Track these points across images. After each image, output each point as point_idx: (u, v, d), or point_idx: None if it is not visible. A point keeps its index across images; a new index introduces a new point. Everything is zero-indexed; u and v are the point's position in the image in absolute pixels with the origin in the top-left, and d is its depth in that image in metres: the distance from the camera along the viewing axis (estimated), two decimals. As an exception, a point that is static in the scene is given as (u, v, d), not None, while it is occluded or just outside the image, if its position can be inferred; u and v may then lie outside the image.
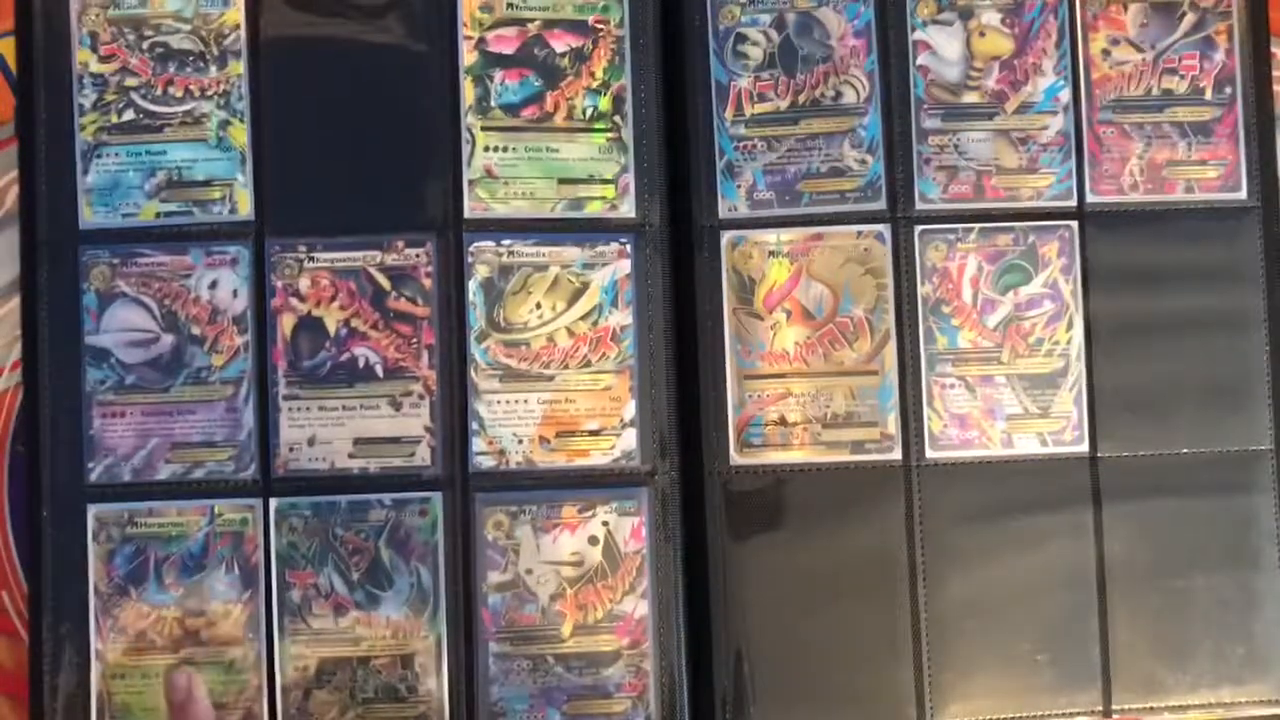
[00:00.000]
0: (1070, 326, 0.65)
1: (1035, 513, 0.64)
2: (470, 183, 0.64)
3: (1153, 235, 0.65)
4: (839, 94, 0.65)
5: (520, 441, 0.63)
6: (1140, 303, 0.65)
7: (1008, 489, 0.64)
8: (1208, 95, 0.66)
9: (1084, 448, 0.64)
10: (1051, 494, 0.64)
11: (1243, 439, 0.65)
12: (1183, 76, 0.66)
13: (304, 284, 0.63)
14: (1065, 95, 0.65)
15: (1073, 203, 0.65)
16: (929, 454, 0.64)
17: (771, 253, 0.64)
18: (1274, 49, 0.67)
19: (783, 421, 0.64)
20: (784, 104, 0.65)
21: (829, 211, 0.65)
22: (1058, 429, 0.64)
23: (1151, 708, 0.64)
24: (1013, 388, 0.64)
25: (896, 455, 0.64)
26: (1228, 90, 0.66)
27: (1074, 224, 0.65)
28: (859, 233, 0.64)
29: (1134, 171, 0.65)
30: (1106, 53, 0.65)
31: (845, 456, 0.64)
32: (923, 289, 0.64)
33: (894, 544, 0.63)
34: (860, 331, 0.64)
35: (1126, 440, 0.65)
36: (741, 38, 0.65)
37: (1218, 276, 0.65)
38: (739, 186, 0.64)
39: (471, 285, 0.63)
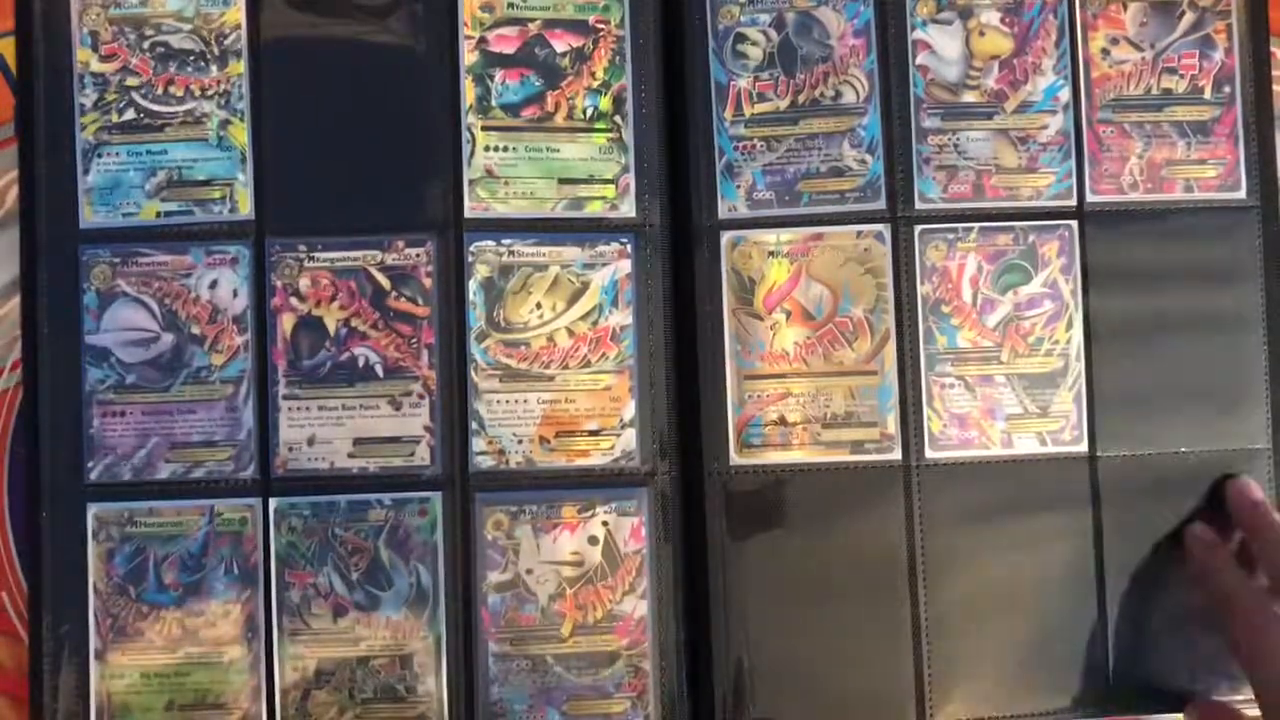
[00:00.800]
0: (1070, 326, 0.64)
1: (1035, 513, 0.64)
2: (470, 182, 0.64)
3: (1152, 235, 0.65)
4: (838, 94, 0.65)
5: (520, 441, 0.63)
6: (1140, 302, 0.65)
7: (1008, 489, 0.64)
8: (1207, 94, 0.66)
9: (1083, 447, 0.64)
10: (1051, 494, 0.64)
11: (1240, 438, 0.65)
12: (1182, 76, 0.66)
13: (304, 284, 0.63)
14: (1065, 94, 0.65)
15: (1073, 202, 0.65)
16: (929, 454, 0.64)
17: (771, 253, 0.64)
18: (1274, 48, 0.67)
19: (782, 421, 0.64)
20: (784, 104, 0.65)
21: (829, 211, 0.64)
22: (1057, 428, 0.64)
23: (1152, 708, 0.64)
24: (1012, 387, 0.64)
25: (896, 455, 0.64)
26: (1226, 89, 0.66)
27: (1074, 223, 0.65)
28: (859, 233, 0.64)
29: (1134, 171, 0.65)
30: (1106, 52, 0.65)
31: (845, 456, 0.64)
32: (922, 289, 0.64)
33: (894, 544, 0.63)
34: (860, 331, 0.64)
35: (1125, 440, 0.64)
36: (741, 37, 0.65)
37: (1216, 276, 0.65)
38: (739, 186, 0.64)
39: (471, 285, 0.63)
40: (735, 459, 0.64)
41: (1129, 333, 0.65)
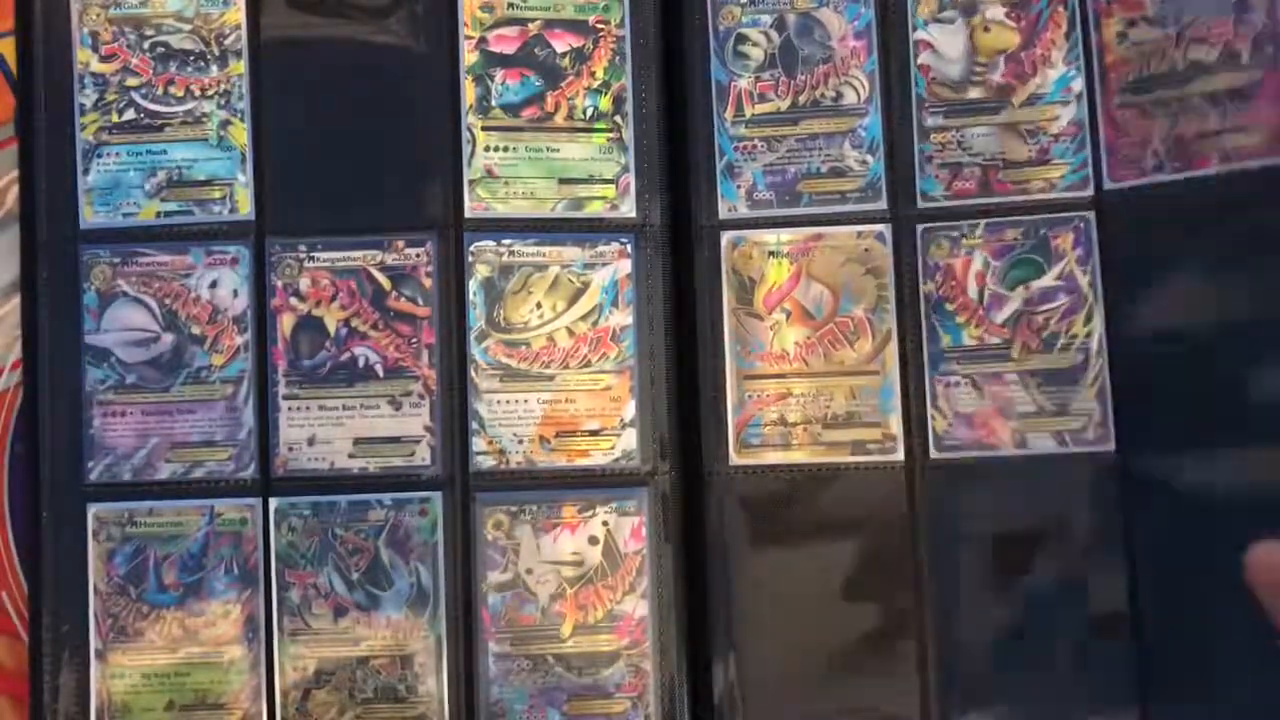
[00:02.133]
0: (1089, 319, 0.62)
1: (1053, 513, 0.61)
2: (470, 182, 0.64)
3: (1186, 216, 0.60)
4: (839, 94, 0.64)
5: (520, 441, 0.63)
6: (1171, 290, 0.60)
7: (1022, 489, 0.62)
8: (1244, 59, 0.60)
9: (1109, 446, 0.61)
10: (1073, 494, 0.61)
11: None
12: (1213, 45, 0.60)
13: (304, 284, 0.63)
14: (1077, 84, 0.63)
15: (1087, 192, 0.62)
16: (933, 454, 0.63)
17: (771, 253, 0.64)
18: None
19: (782, 422, 0.63)
20: (784, 104, 0.64)
21: (829, 212, 0.64)
22: (1079, 427, 0.61)
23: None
24: (1025, 385, 0.62)
25: (899, 456, 0.63)
26: (1269, 49, 0.59)
27: (1090, 214, 0.62)
28: (859, 233, 0.64)
29: (1159, 151, 0.61)
30: (1123, 35, 0.62)
31: (846, 457, 0.63)
32: (925, 287, 0.63)
33: (897, 545, 0.63)
34: (861, 331, 0.64)
35: (1157, 440, 0.60)
36: (742, 38, 0.65)
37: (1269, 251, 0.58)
38: (739, 187, 0.64)
39: (471, 285, 0.63)
40: (735, 459, 0.63)
41: (1157, 323, 0.60)
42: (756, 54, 0.65)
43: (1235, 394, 0.58)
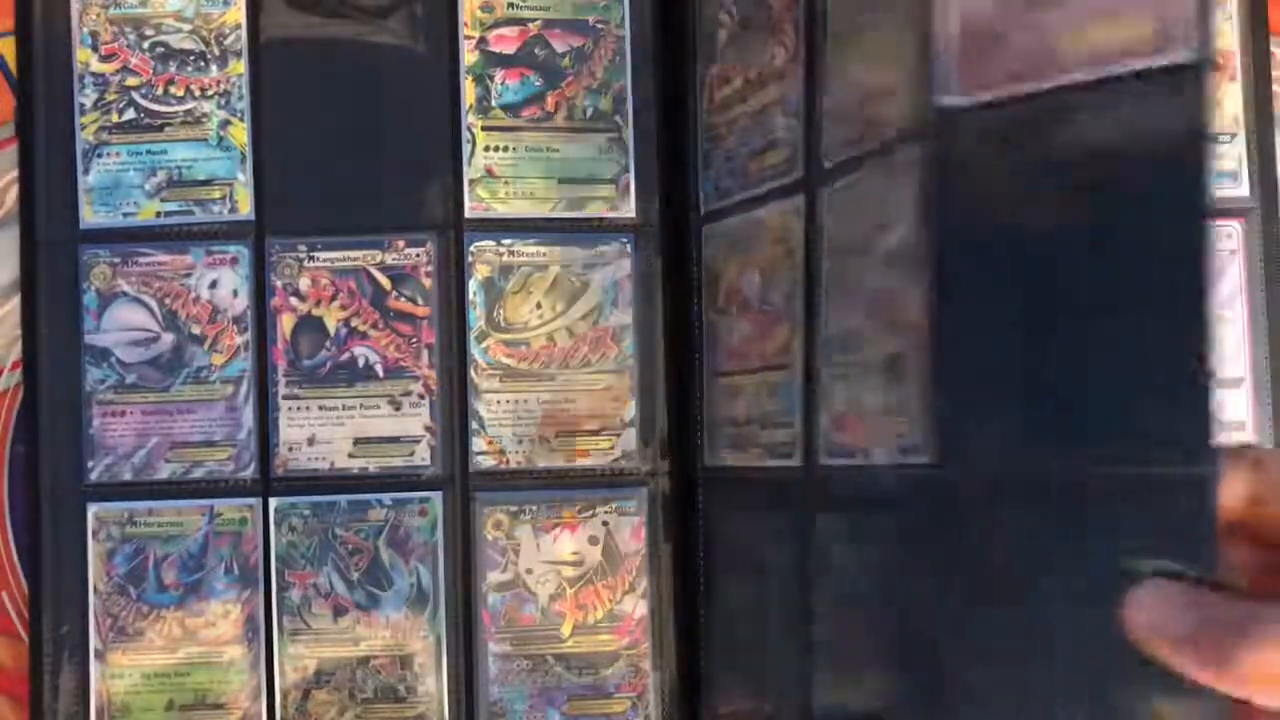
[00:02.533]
0: (913, 284, 0.45)
1: (892, 540, 0.48)
2: (471, 182, 0.64)
3: (1040, 138, 0.40)
4: (773, 56, 0.57)
5: (520, 441, 0.63)
6: (1013, 242, 0.41)
7: (877, 505, 0.49)
8: None
9: (925, 458, 0.44)
10: (908, 517, 0.46)
11: (1161, 454, 0.36)
12: None
13: (304, 283, 0.63)
14: None
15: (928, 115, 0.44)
16: (821, 459, 0.52)
17: (729, 244, 0.62)
18: (1275, 49, 0.65)
19: (733, 422, 0.61)
20: (739, 83, 0.61)
21: (764, 190, 0.58)
22: (905, 432, 0.46)
23: None
24: (863, 375, 0.49)
25: (797, 460, 0.55)
26: None
27: (918, 147, 0.44)
28: (781, 210, 0.56)
29: (1008, 57, 0.41)
30: None
31: (765, 461, 0.57)
32: (826, 265, 0.52)
33: (799, 560, 0.55)
34: (780, 320, 0.56)
35: (985, 449, 0.42)
36: (713, 24, 0.63)
37: (1135, 183, 0.38)
38: (711, 178, 0.63)
39: (472, 285, 0.63)
40: (709, 459, 0.63)
41: (999, 288, 0.41)
42: (722, 36, 0.63)
43: (1084, 388, 0.39)
